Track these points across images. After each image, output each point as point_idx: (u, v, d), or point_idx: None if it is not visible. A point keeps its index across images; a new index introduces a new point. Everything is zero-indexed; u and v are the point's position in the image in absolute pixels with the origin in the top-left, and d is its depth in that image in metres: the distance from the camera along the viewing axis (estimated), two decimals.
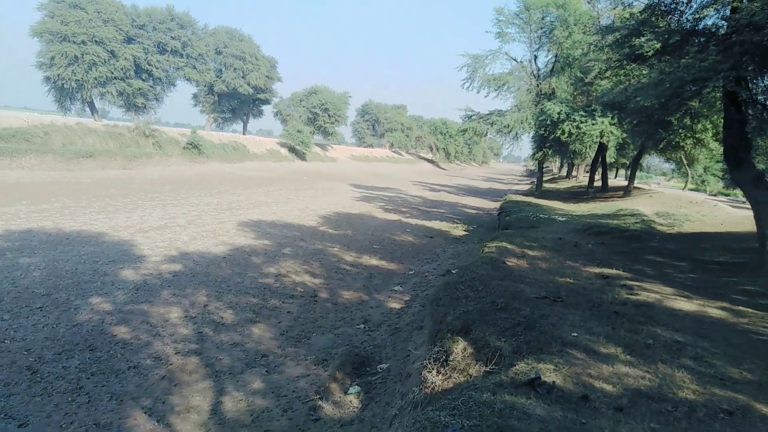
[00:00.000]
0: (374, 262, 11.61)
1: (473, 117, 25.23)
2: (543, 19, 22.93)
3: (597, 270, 6.78)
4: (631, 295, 5.36)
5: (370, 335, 7.17)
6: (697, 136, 16.90)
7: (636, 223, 12.70)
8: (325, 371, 5.66)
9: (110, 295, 7.37)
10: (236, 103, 55.41)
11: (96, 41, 37.35)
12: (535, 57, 24.86)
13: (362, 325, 7.56)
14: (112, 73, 39.09)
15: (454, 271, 8.83)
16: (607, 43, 10.76)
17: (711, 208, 16.00)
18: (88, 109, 42.41)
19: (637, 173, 26.55)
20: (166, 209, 14.97)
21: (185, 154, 30.46)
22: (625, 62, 9.43)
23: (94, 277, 8.08)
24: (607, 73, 11.92)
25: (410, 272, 11.08)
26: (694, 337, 4.03)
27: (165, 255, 9.91)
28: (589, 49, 16.89)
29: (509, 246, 8.02)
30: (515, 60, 25.24)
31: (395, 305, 8.66)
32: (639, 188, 24.66)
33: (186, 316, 7.00)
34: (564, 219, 14.20)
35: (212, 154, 33.07)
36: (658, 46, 7.86)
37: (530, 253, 7.71)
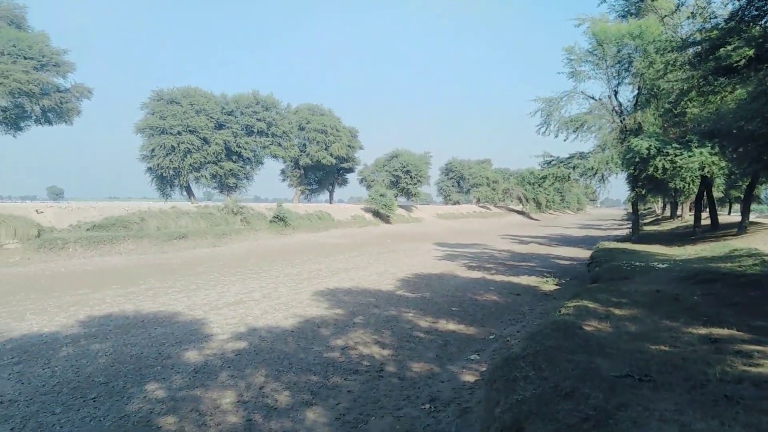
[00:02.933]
0: (451, 326, 10.66)
1: (553, 162, 23.80)
2: (619, 52, 21.52)
3: (703, 331, 5.38)
4: (750, 366, 4.02)
5: (435, 417, 6.25)
6: None
7: (754, 265, 10.55)
8: None
9: (167, 380, 7.15)
10: (321, 175, 57.97)
11: (190, 131, 41.32)
12: (615, 93, 23.20)
13: (428, 405, 6.65)
14: (205, 158, 42.75)
15: (536, 329, 7.74)
16: (687, 60, 9.51)
17: None
18: (185, 193, 46.34)
19: (753, 206, 23.41)
20: (245, 283, 15.14)
21: (272, 227, 31.67)
22: (711, 77, 8.11)
23: (156, 361, 7.98)
24: (691, 94, 10.36)
25: (491, 337, 9.98)
26: None
27: (233, 332, 9.73)
28: (666, 70, 15.26)
29: (591, 305, 6.81)
30: (593, 98, 23.75)
31: (469, 378, 7.65)
32: (757, 223, 21.60)
33: (239, 401, 6.56)
34: (665, 266, 12.32)
35: (298, 225, 34.14)
36: (750, 53, 6.61)
37: (616, 312, 6.44)
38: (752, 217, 21.80)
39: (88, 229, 21.32)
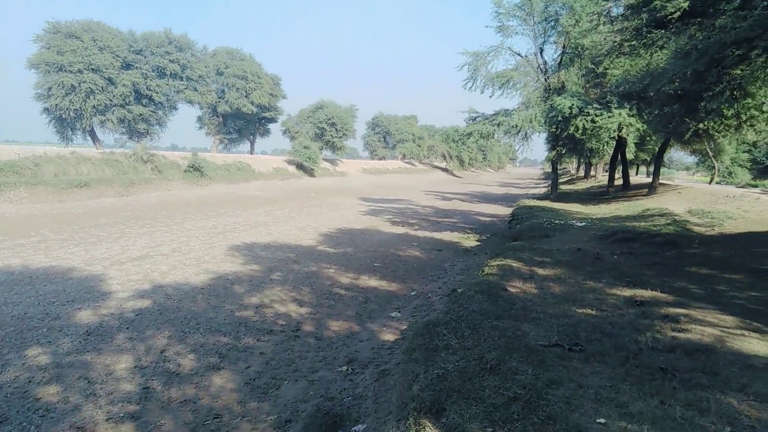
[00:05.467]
0: (373, 283, 10.29)
1: (478, 119, 23.71)
2: (546, 8, 21.42)
3: (627, 292, 5.28)
4: (679, 332, 3.88)
5: (352, 381, 5.85)
6: (749, 113, 12.97)
7: (668, 224, 10.99)
8: None
9: (53, 344, 6.20)
10: (242, 123, 55.03)
11: (92, 69, 37.24)
12: (541, 50, 23.23)
13: (345, 367, 6.24)
14: (111, 100, 38.92)
15: (459, 290, 7.51)
16: (620, 12, 9.33)
17: (753, 203, 13.98)
18: (89, 138, 42.32)
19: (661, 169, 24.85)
20: (153, 236, 13.90)
21: (186, 177, 29.68)
22: (645, 30, 7.93)
23: (42, 323, 6.93)
24: (625, 47, 10.22)
25: (412, 293, 9.73)
26: None
27: (135, 290, 8.74)
28: (599, 21, 15.25)
29: (514, 264, 6.60)
30: (519, 55, 23.65)
31: (389, 337, 7.32)
32: (664, 184, 22.92)
33: (136, 366, 5.78)
34: (583, 224, 12.59)
35: (215, 176, 32.28)
36: (685, 5, 6.39)
37: (540, 272, 6.26)
38: (660, 179, 23.06)
39: None
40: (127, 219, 16.98)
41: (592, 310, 4.63)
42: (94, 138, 42.40)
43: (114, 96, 39.12)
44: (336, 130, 57.25)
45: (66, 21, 38.66)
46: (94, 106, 38.04)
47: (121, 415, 4.71)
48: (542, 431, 2.38)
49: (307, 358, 6.38)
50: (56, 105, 36.78)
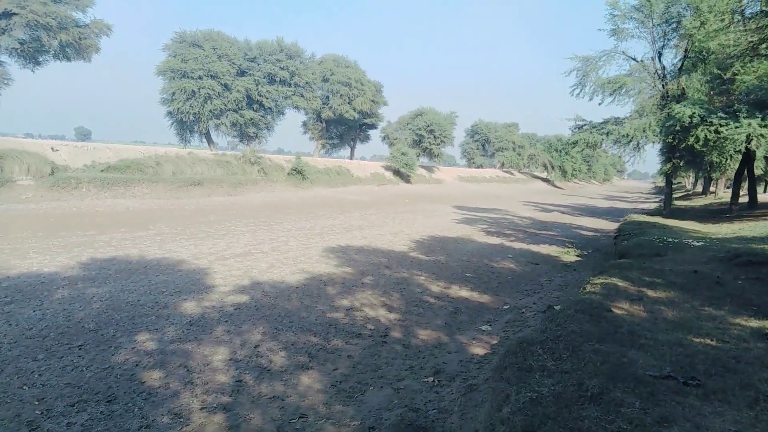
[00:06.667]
0: (464, 293, 10.07)
1: (584, 127, 22.39)
2: (668, 9, 19.73)
3: (755, 323, 4.63)
4: None
5: (437, 393, 5.71)
6: None
7: None
8: None
9: (159, 332, 6.76)
10: (343, 129, 57.02)
11: (211, 76, 40.67)
12: (660, 54, 21.39)
13: (432, 378, 6.11)
14: (226, 105, 42.17)
15: (557, 308, 7.09)
16: (757, 9, 8.28)
17: None
18: (205, 140, 46.03)
19: None
20: (255, 235, 14.77)
21: (289, 179, 31.24)
22: None
23: (151, 311, 7.59)
24: (761, 49, 8.99)
25: (505, 307, 9.37)
26: None
27: (235, 285, 9.32)
28: (731, 21, 13.69)
29: (620, 283, 6.08)
30: (634, 59, 22.02)
31: (478, 350, 7.08)
32: None
33: (231, 359, 6.11)
34: (701, 244, 11.38)
35: (316, 179, 33.63)
36: None
37: (650, 294, 5.71)
38: None
39: (102, 170, 21.09)
40: (234, 217, 18.19)
41: (712, 340, 4.12)
42: (209, 140, 46.12)
43: (228, 101, 42.43)
44: (434, 137, 57.41)
45: (191, 31, 42.84)
46: (210, 111, 41.54)
47: (215, 405, 4.96)
48: None
49: (394, 365, 6.35)
50: (178, 109, 40.72)
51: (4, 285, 8.29)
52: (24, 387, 5.11)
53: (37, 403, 4.81)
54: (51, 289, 8.26)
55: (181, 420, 4.71)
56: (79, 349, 6.06)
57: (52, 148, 21.20)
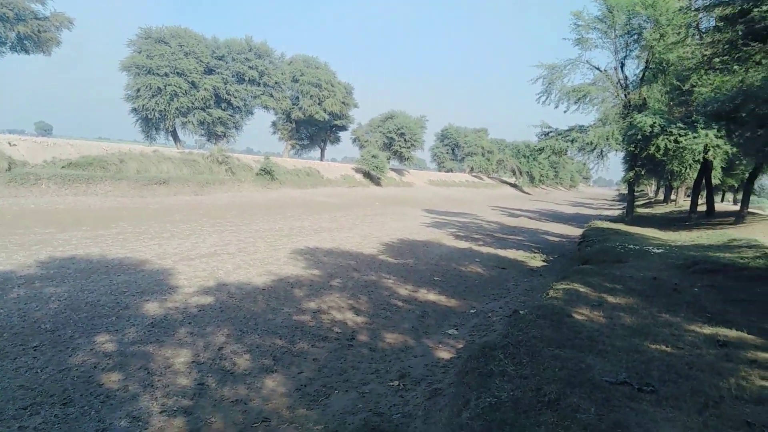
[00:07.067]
0: (432, 297, 10.10)
1: (551, 134, 22.86)
2: (630, 21, 20.36)
3: (708, 330, 4.79)
4: None
5: (402, 397, 5.71)
6: None
7: (757, 257, 9.93)
8: None
9: (120, 333, 6.53)
10: (313, 130, 56.66)
11: (178, 73, 39.91)
12: (622, 65, 22.07)
13: (397, 382, 6.10)
14: (193, 103, 41.43)
15: (522, 312, 7.18)
16: (711, 24, 8.62)
17: None
18: (171, 138, 45.09)
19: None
20: (222, 235, 14.49)
21: (258, 180, 30.82)
22: (740, 43, 7.25)
23: (112, 311, 7.33)
24: (716, 62, 9.39)
25: (472, 311, 9.44)
26: None
27: (200, 286, 9.09)
28: (687, 34, 14.23)
29: (581, 289, 6.20)
30: (598, 69, 22.64)
31: (444, 354, 7.11)
32: (754, 214, 21.15)
33: (194, 362, 5.96)
34: (660, 251, 11.72)
35: (285, 179, 33.28)
36: None
37: (610, 299, 5.84)
38: (749, 207, 21.26)
39: (63, 167, 20.35)
40: (199, 217, 17.83)
41: (667, 347, 4.24)
42: (176, 138, 45.21)
43: (196, 99, 41.69)
44: (405, 140, 57.63)
45: (156, 27, 41.93)
46: (177, 108, 40.73)
47: (175, 408, 4.83)
48: None
49: (360, 369, 6.31)
50: (143, 105, 39.83)
51: None
52: None
53: None
54: (6, 288, 7.89)
55: (140, 423, 4.57)
56: (35, 350, 5.81)
57: (10, 143, 20.34)
